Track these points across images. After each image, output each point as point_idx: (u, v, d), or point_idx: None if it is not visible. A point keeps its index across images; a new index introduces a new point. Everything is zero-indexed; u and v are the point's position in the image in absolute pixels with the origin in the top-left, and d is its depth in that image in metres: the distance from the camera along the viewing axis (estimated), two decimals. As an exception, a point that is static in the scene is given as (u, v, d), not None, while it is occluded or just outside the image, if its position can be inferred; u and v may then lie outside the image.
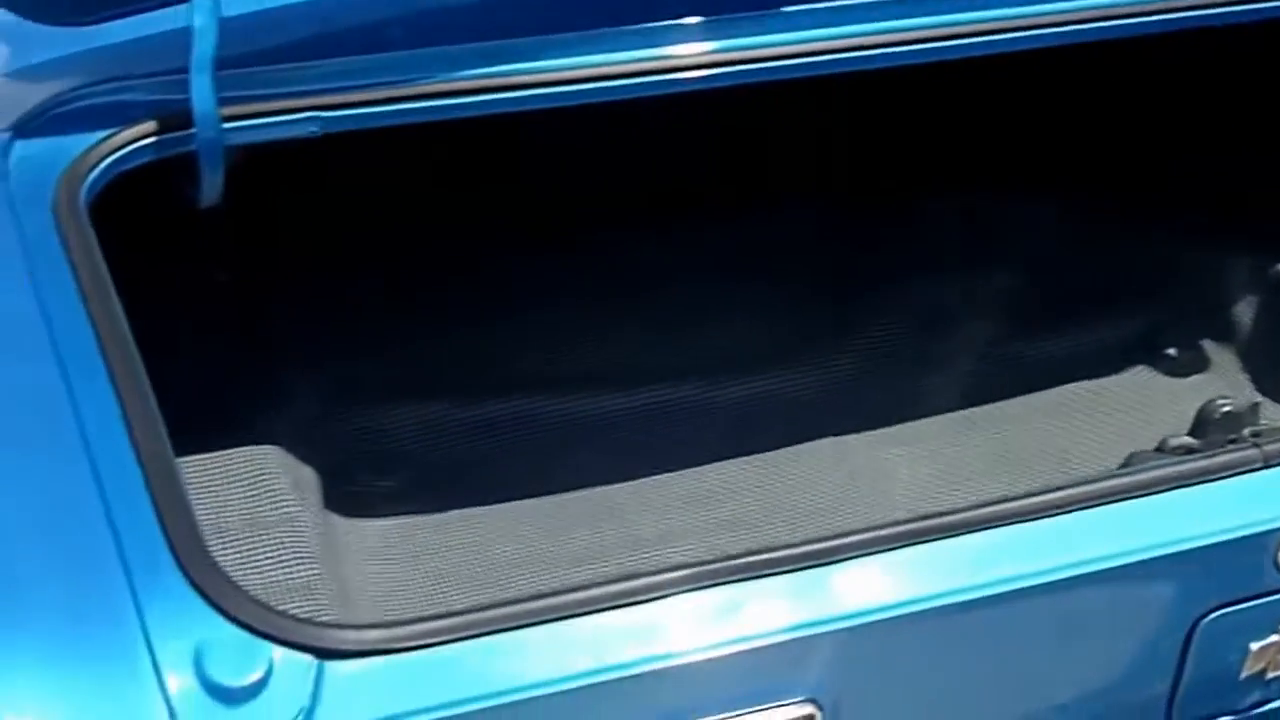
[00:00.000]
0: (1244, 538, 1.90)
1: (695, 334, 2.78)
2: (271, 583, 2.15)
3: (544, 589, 1.80)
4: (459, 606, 1.79)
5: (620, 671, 1.72)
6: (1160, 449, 2.12)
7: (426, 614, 1.74)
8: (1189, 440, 2.11)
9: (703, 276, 2.86)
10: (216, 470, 2.30)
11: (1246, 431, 2.04)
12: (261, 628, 1.65)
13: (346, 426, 2.55)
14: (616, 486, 2.53)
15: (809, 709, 1.80)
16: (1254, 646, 1.97)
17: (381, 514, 2.46)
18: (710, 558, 1.81)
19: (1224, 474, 1.93)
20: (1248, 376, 2.73)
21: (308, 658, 1.65)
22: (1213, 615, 1.93)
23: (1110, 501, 1.89)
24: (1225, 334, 2.79)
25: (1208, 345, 2.78)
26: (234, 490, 2.29)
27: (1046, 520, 1.87)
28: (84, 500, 1.67)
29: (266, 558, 2.20)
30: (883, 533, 1.84)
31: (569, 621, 1.72)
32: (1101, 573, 1.86)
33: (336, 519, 2.40)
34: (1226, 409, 2.13)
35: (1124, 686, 1.97)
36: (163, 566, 1.65)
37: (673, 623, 1.75)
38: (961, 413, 2.62)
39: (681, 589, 1.76)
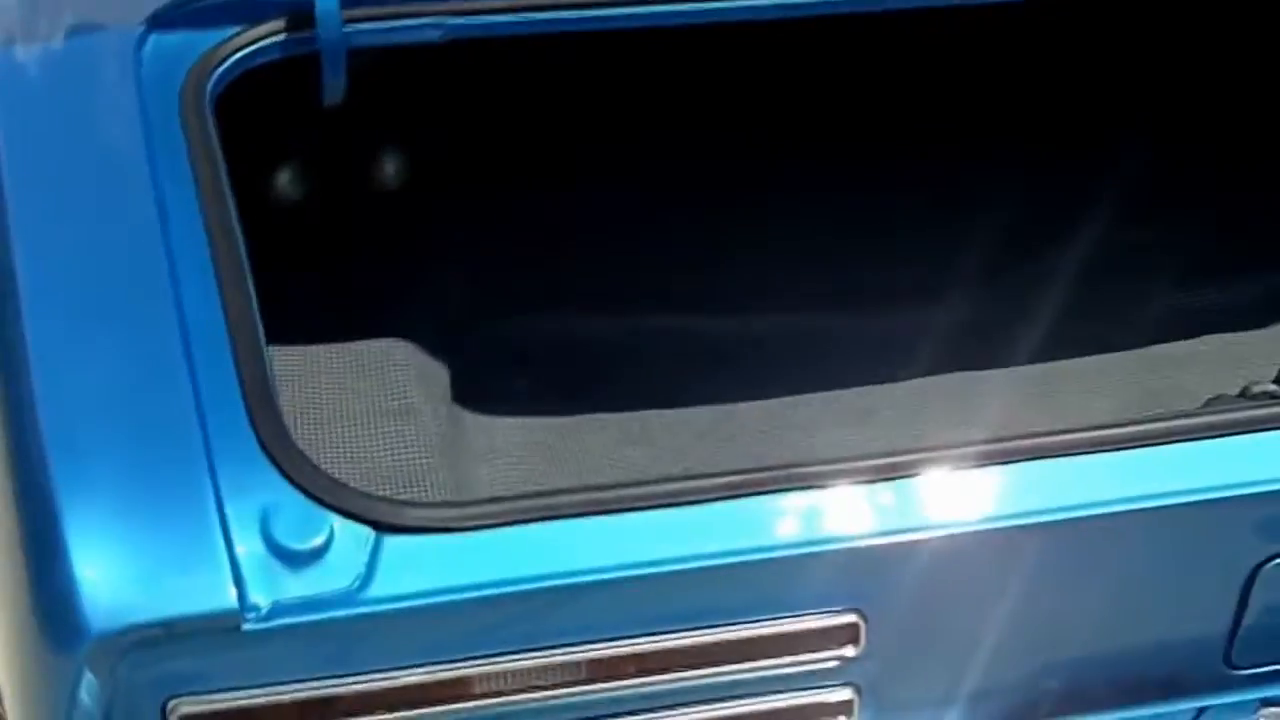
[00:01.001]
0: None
1: (849, 262, 2.80)
2: (383, 469, 2.25)
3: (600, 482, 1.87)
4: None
5: (668, 567, 1.79)
6: (1243, 394, 2.12)
7: (483, 498, 1.83)
8: (1272, 387, 2.11)
9: (860, 208, 2.89)
10: (345, 360, 2.40)
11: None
12: (325, 498, 1.75)
13: (483, 329, 2.62)
14: (746, 405, 2.56)
15: (853, 618, 1.85)
16: (1320, 595, 1.98)
17: (508, 414, 2.51)
18: (765, 464, 1.87)
19: None
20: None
21: (366, 529, 1.74)
22: (1275, 561, 1.94)
23: (1178, 441, 1.91)
24: None
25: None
26: (360, 380, 2.39)
27: (1112, 454, 1.90)
28: (172, 368, 1.79)
29: (382, 445, 2.29)
30: (948, 453, 1.88)
31: (620, 515, 1.79)
32: (1163, 509, 1.88)
33: (463, 415, 2.48)
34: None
35: (1181, 625, 1.99)
36: (239, 433, 1.76)
37: (721, 525, 1.81)
38: (1087, 359, 2.62)
39: (735, 493, 1.82)
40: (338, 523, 1.74)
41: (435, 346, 2.52)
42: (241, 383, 1.79)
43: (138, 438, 1.75)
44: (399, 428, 2.32)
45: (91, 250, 1.88)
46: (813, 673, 1.88)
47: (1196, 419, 1.94)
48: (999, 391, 2.55)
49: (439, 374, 2.50)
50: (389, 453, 2.28)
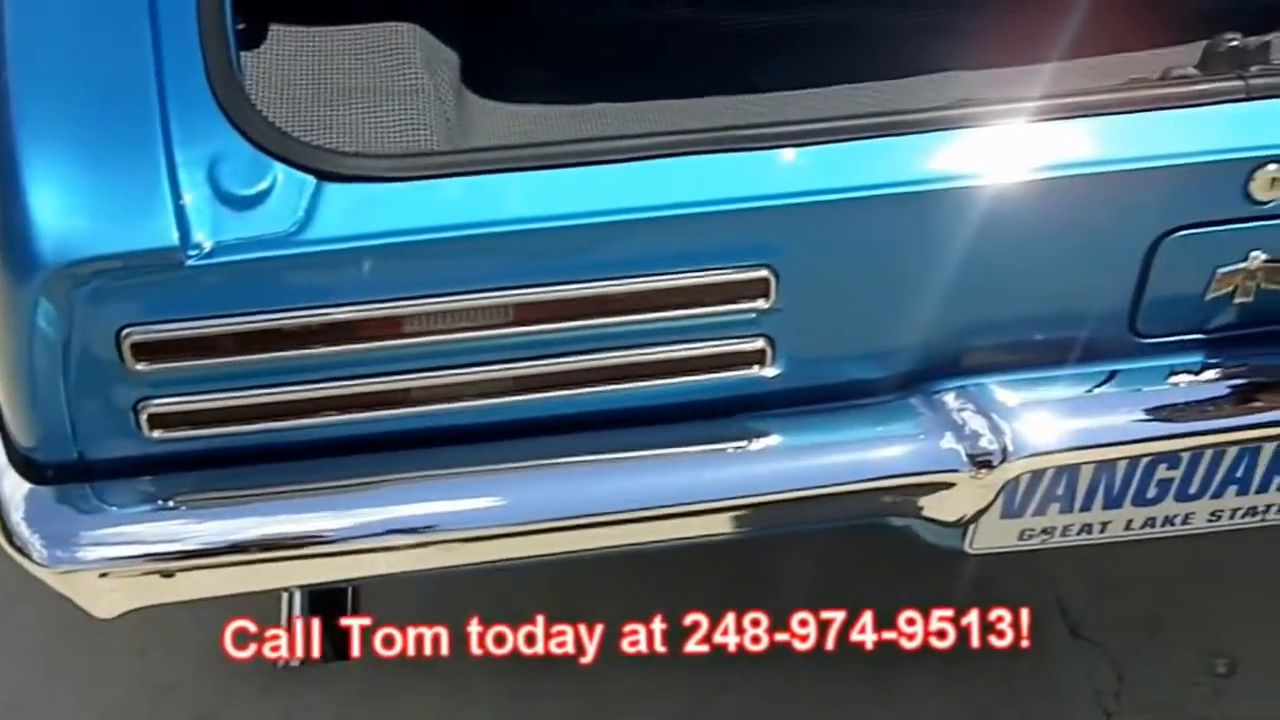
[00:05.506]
0: (1213, 163, 1.98)
1: None
2: (382, 147, 2.35)
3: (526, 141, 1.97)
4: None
5: (591, 219, 1.91)
6: (1163, 78, 2.18)
7: (421, 150, 1.95)
8: (1191, 71, 2.17)
9: None
10: (353, 40, 2.50)
11: (1252, 68, 2.09)
12: (271, 146, 1.89)
13: (508, 18, 2.69)
14: (747, 98, 2.64)
15: (764, 273, 1.97)
16: (1220, 271, 2.07)
17: (520, 100, 2.58)
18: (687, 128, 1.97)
19: (1206, 101, 2.01)
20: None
21: (309, 177, 1.89)
22: (1178, 234, 2.02)
23: (1090, 115, 1.99)
24: None
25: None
26: (367, 59, 2.49)
27: (1025, 125, 1.98)
28: (137, 22, 1.92)
29: (384, 123, 2.39)
30: (864, 120, 1.98)
31: (544, 171, 1.91)
32: (1071, 179, 1.97)
33: (471, 100, 2.58)
34: (1233, 44, 2.16)
35: (1086, 291, 2.08)
36: (193, 83, 1.90)
37: (641, 182, 1.92)
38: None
39: (657, 153, 1.93)
40: (281, 170, 1.88)
41: (448, 33, 2.61)
42: (201, 37, 1.92)
43: (97, 85, 1.90)
44: (402, 107, 2.43)
45: None
46: (728, 323, 2.01)
47: (1108, 95, 2.02)
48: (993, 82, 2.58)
49: (449, 59, 2.59)
50: (390, 131, 2.38)
